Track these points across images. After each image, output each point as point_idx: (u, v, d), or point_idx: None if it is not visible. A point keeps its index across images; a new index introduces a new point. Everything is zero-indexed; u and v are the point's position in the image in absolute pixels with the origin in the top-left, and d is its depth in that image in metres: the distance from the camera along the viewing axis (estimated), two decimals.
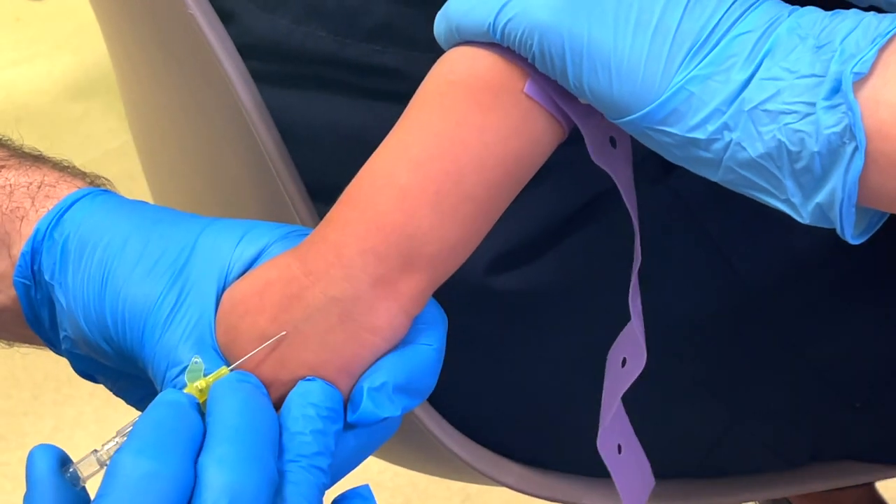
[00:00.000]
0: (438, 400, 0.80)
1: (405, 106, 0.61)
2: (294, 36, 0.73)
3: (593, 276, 0.73)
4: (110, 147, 2.00)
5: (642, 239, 0.71)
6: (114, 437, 0.60)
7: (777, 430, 0.81)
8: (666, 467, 0.83)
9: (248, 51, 0.75)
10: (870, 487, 1.22)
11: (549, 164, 0.61)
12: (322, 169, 0.75)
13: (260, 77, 0.75)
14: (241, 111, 0.75)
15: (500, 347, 0.78)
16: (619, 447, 0.67)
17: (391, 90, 0.71)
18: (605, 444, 0.66)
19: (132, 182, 1.94)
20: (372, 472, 1.51)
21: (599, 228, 0.71)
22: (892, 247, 0.72)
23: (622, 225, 0.65)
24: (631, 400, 0.65)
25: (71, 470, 0.59)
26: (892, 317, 0.76)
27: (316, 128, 0.75)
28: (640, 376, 0.67)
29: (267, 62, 0.75)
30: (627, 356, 0.65)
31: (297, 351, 0.60)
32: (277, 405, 0.60)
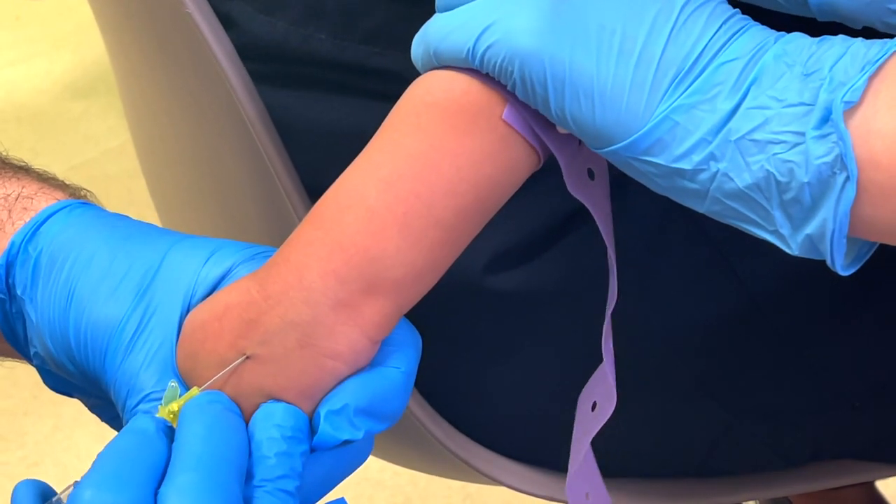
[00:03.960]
0: (437, 399, 0.79)
1: None
2: (292, 38, 0.73)
3: (591, 275, 0.73)
4: (110, 146, 2.00)
5: (638, 237, 0.71)
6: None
7: (776, 430, 0.81)
8: (666, 467, 0.83)
9: (246, 52, 0.75)
10: (870, 486, 1.22)
11: (547, 163, 0.61)
12: (320, 167, 0.75)
13: (258, 77, 0.75)
14: (239, 109, 0.75)
15: (499, 347, 0.77)
16: (587, 495, 0.66)
17: (391, 91, 0.71)
18: (574, 490, 0.65)
19: (131, 181, 1.94)
20: (372, 470, 1.51)
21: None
22: (892, 249, 0.72)
23: (624, 225, 0.65)
24: (630, 401, 0.65)
25: (54, 500, 0.58)
26: (892, 318, 0.76)
27: (314, 126, 0.75)
28: (640, 376, 0.67)
29: (265, 63, 0.75)
30: (598, 399, 0.64)
31: (255, 377, 0.59)
32: None
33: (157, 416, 0.59)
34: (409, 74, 0.61)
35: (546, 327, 0.76)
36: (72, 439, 1.59)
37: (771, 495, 0.87)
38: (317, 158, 0.75)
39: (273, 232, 0.82)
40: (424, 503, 1.53)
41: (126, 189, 1.89)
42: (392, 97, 0.60)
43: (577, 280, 0.74)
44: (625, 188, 0.63)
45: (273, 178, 0.76)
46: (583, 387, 0.68)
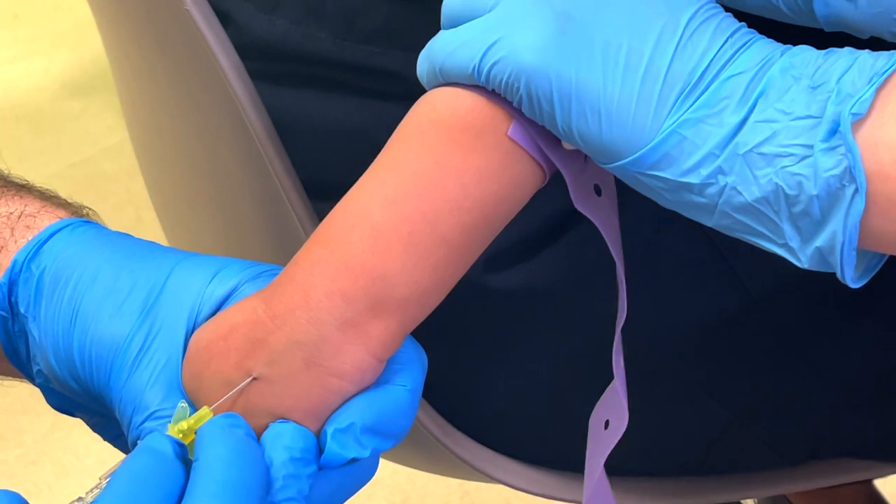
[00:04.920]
0: (436, 397, 0.79)
1: (404, 106, 0.60)
2: (292, 37, 0.73)
3: (591, 273, 0.73)
4: (108, 144, 1.99)
5: (636, 234, 0.71)
6: (98, 483, 0.58)
7: (776, 429, 0.81)
8: (665, 466, 0.83)
9: (245, 51, 0.74)
10: (868, 485, 1.22)
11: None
12: (319, 166, 0.75)
13: (257, 75, 0.75)
14: (238, 108, 0.75)
15: (498, 345, 0.77)
16: None
17: (390, 91, 0.71)
18: None
19: (130, 179, 1.94)
20: None
21: (597, 227, 0.70)
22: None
23: (622, 222, 0.65)
24: (629, 399, 0.65)
25: None
26: (891, 317, 0.76)
27: (313, 125, 0.75)
28: (639, 375, 0.67)
29: (264, 62, 0.74)
30: (611, 418, 0.64)
31: (261, 397, 0.59)
32: None
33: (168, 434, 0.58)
34: (409, 74, 0.61)
35: (545, 325, 0.76)
36: (70, 438, 1.59)
37: (770, 494, 0.87)
38: (316, 157, 0.75)
39: (272, 231, 0.82)
40: (423, 501, 1.53)
41: (124, 187, 1.88)
42: (392, 97, 0.60)
43: (576, 278, 0.74)
44: (621, 188, 0.63)
45: (272, 177, 0.76)
46: (581, 385, 0.68)
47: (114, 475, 0.55)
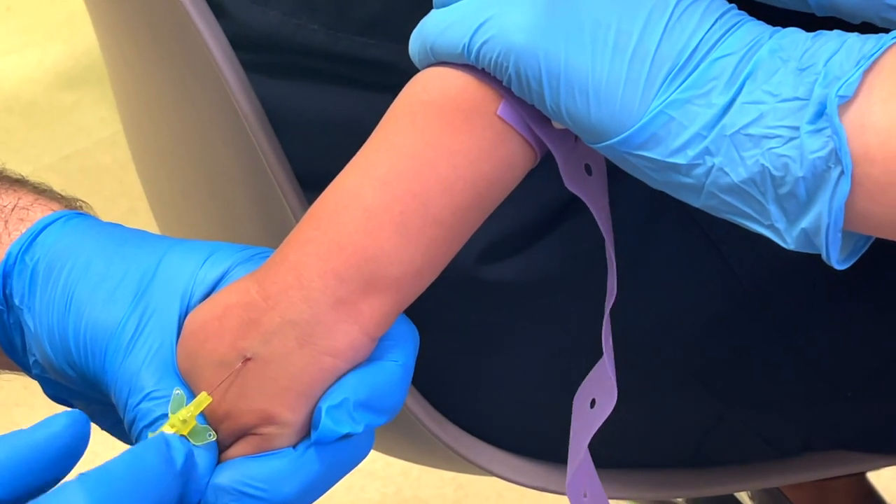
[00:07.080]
0: (429, 389, 0.79)
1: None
2: (285, 28, 0.73)
3: (585, 265, 0.73)
4: (101, 136, 1.99)
5: (629, 226, 0.71)
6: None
7: (769, 421, 0.81)
8: (658, 457, 0.83)
9: (238, 42, 0.74)
10: (861, 477, 1.23)
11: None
12: (313, 158, 0.75)
13: (250, 67, 0.75)
14: (231, 100, 0.74)
15: (492, 337, 0.77)
16: (585, 494, 0.66)
17: (384, 82, 0.71)
18: (574, 489, 0.65)
19: (123, 172, 1.94)
20: (364, 460, 1.51)
21: (592, 217, 0.71)
22: (885, 239, 0.73)
23: (615, 214, 0.65)
24: (623, 391, 0.65)
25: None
26: (884, 308, 0.76)
27: (307, 117, 0.75)
28: (632, 366, 0.67)
29: (257, 53, 0.74)
30: (597, 396, 0.64)
31: (255, 378, 0.59)
32: (234, 437, 0.60)
33: (168, 430, 0.58)
34: (403, 65, 0.61)
35: (539, 317, 0.76)
36: None
37: (763, 486, 0.88)
38: (310, 149, 0.75)
39: (265, 223, 0.82)
40: (416, 493, 1.53)
41: (118, 179, 1.88)
42: (387, 88, 0.60)
43: (570, 270, 0.74)
44: (614, 178, 0.63)
45: (265, 169, 0.76)
46: (575, 377, 0.68)
47: (116, 460, 0.54)
